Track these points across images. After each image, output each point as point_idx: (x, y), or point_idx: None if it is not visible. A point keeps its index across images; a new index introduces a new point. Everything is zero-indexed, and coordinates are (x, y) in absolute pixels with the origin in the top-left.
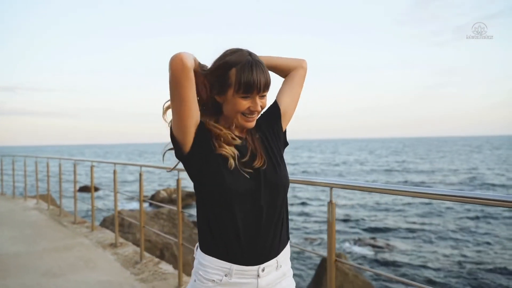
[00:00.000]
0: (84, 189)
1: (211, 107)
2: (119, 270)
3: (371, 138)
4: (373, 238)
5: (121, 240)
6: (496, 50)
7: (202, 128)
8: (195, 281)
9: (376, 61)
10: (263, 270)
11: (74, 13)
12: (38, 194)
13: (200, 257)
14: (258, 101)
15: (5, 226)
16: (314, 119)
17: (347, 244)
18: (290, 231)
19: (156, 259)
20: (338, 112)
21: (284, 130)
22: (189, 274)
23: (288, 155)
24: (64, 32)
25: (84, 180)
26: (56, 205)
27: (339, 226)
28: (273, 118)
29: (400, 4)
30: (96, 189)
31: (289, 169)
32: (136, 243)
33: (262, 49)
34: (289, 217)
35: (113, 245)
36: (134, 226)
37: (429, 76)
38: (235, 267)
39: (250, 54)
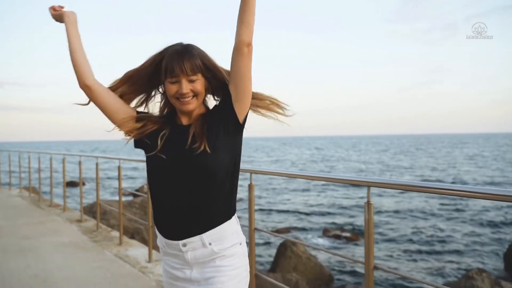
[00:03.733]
0: (71, 184)
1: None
2: (79, 235)
3: (361, 135)
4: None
5: (86, 217)
6: (486, 48)
7: None
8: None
9: (366, 59)
10: (184, 245)
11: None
12: (21, 186)
13: None
14: (187, 85)
15: None
16: (304, 116)
17: (309, 235)
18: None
19: (109, 229)
20: (328, 109)
21: (237, 112)
22: (131, 237)
23: (278, 152)
24: (56, 28)
25: (70, 175)
26: (37, 193)
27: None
28: (223, 101)
29: (390, 2)
30: (83, 184)
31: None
32: (108, 225)
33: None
34: None
35: (79, 221)
36: (109, 213)
37: (419, 74)
38: (165, 240)
39: (182, 44)
